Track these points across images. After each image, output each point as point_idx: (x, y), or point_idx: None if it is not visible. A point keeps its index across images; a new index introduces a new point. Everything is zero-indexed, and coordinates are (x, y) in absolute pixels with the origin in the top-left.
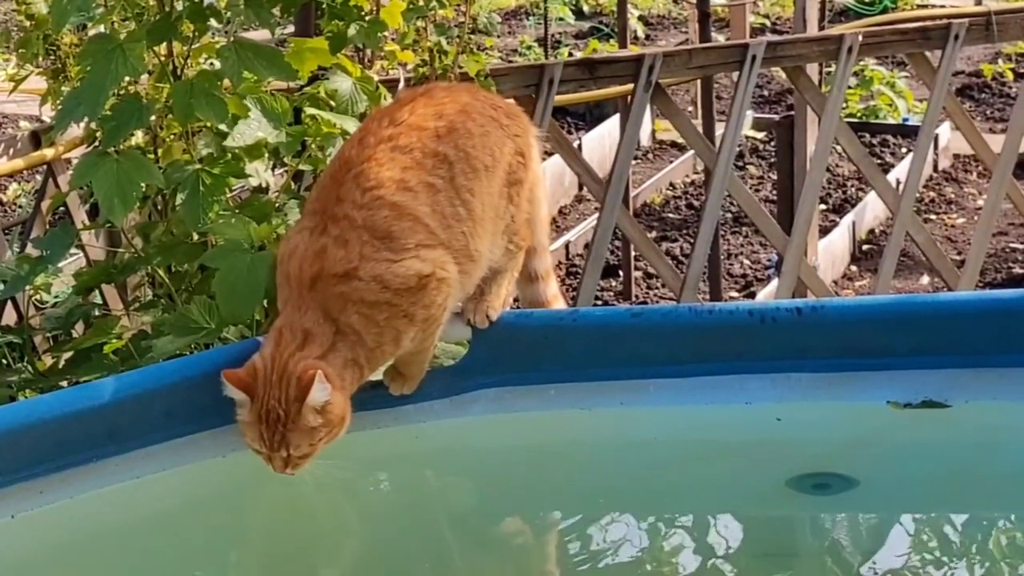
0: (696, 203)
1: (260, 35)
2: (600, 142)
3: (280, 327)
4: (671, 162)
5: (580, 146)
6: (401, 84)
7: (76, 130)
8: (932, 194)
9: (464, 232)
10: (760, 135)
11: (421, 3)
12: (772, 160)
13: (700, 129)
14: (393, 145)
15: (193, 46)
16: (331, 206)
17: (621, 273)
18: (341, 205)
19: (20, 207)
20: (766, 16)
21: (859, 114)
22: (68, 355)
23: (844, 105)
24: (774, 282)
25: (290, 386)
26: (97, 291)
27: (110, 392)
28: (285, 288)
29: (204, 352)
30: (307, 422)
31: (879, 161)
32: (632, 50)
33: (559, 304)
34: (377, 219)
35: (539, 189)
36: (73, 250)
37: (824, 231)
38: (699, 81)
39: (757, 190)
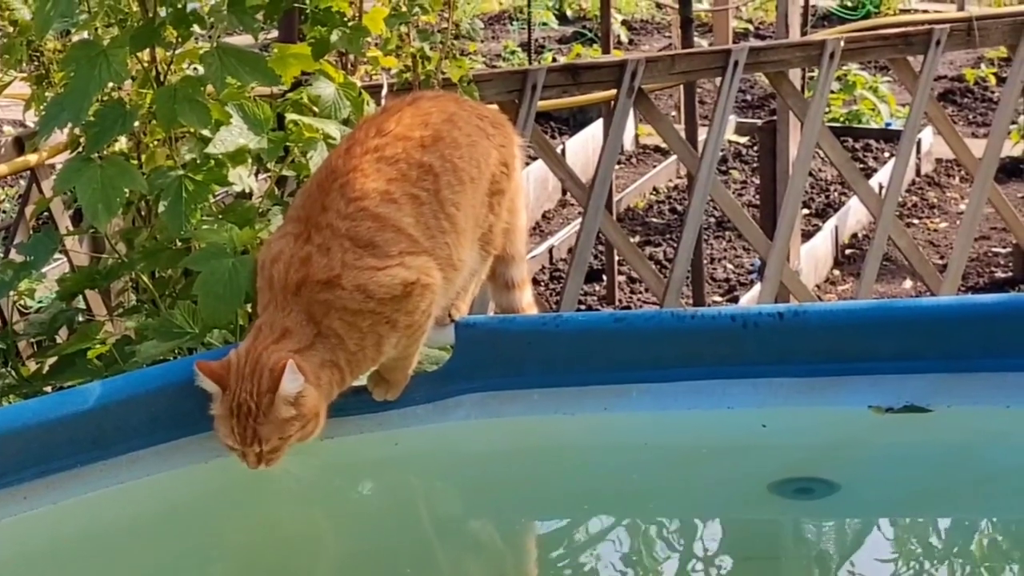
0: (679, 208)
1: (243, 40)
2: (583, 147)
3: (259, 324)
4: (654, 167)
5: (563, 151)
6: (384, 90)
7: (60, 136)
8: (914, 198)
9: (448, 243)
10: (743, 140)
11: (404, 9)
12: (755, 165)
13: (683, 134)
14: (379, 156)
15: (176, 52)
16: (316, 214)
17: (604, 278)
18: (326, 214)
19: (4, 212)
20: (749, 21)
21: (842, 119)
22: (52, 360)
23: (827, 110)
24: (757, 287)
25: (262, 378)
26: (81, 296)
27: (94, 398)
28: (267, 292)
29: (188, 357)
30: (279, 414)
31: (862, 166)
32: (615, 55)
33: (533, 312)
34: (360, 229)
35: (519, 199)
36: (57, 255)
37: (807, 235)
38: (682, 86)
39: (740, 195)
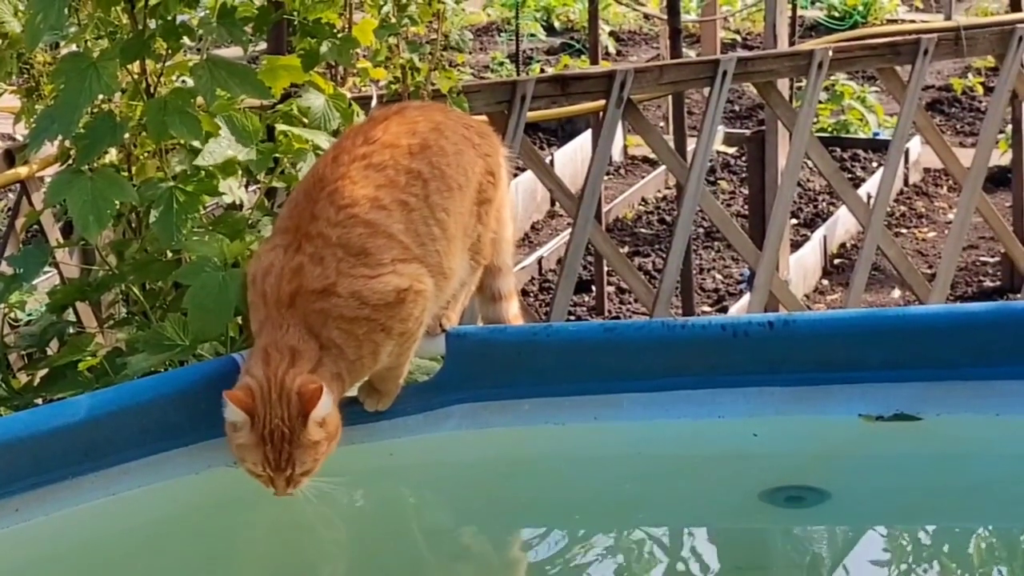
0: (668, 218)
1: (233, 53)
2: (572, 158)
3: (265, 347)
4: (643, 177)
5: (552, 162)
6: (374, 101)
7: (50, 148)
8: (903, 208)
9: (438, 250)
10: (731, 150)
11: (393, 20)
12: (743, 175)
13: (672, 144)
14: (367, 163)
15: (166, 64)
16: (305, 224)
17: (594, 288)
18: (315, 223)
19: None
20: (737, 32)
21: (830, 129)
22: (43, 373)
23: (815, 120)
24: (746, 297)
25: (291, 403)
26: (71, 309)
27: (85, 409)
28: (261, 309)
29: (178, 369)
30: (311, 436)
31: (850, 175)
32: (604, 66)
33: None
34: (352, 236)
35: (506, 210)
36: (47, 268)
37: (795, 245)
38: (670, 97)
39: (729, 205)
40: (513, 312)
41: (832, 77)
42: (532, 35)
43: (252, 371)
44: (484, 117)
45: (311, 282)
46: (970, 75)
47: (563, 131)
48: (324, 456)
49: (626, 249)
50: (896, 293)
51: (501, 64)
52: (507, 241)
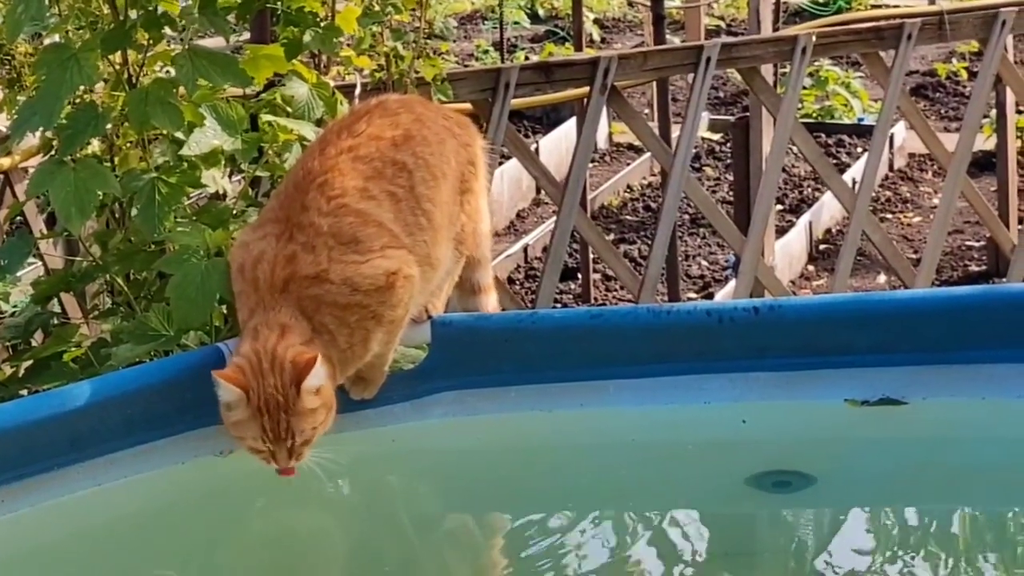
0: (653, 205)
1: (215, 42)
2: (557, 145)
3: (255, 326)
4: (628, 164)
5: (537, 149)
6: (358, 89)
7: (32, 139)
8: (888, 193)
9: (425, 240)
10: (716, 137)
11: (376, 8)
12: (728, 161)
13: (656, 131)
14: (354, 155)
15: (148, 54)
16: (296, 214)
17: (579, 276)
18: (307, 213)
19: None
20: (720, 18)
21: (814, 114)
22: (27, 364)
23: (799, 106)
24: (732, 283)
25: (284, 371)
26: (56, 300)
27: (71, 400)
28: (252, 295)
29: (163, 359)
30: (306, 404)
31: (835, 161)
32: (588, 53)
33: None
34: (343, 225)
35: (484, 202)
36: (31, 259)
37: (781, 231)
38: (655, 83)
39: (714, 191)
40: (492, 304)
41: (816, 63)
42: (516, 23)
43: (240, 350)
44: (468, 105)
45: (304, 268)
46: (954, 60)
47: (548, 119)
48: (323, 426)
49: (611, 236)
50: (881, 278)
51: (485, 52)
52: (485, 234)
